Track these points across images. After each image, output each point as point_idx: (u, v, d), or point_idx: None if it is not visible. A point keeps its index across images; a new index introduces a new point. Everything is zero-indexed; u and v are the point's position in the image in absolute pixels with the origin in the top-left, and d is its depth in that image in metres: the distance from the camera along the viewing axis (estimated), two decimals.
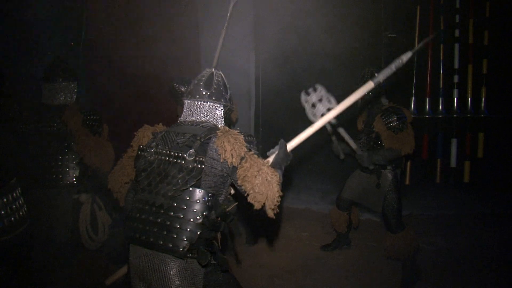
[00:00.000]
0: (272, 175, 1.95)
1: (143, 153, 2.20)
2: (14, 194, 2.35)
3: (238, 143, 2.03)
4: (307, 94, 3.12)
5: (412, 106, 6.15)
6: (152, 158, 2.16)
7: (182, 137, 2.15)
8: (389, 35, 6.14)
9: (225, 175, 2.07)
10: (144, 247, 2.04)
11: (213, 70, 2.38)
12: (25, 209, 2.42)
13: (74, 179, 3.42)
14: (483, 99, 6.12)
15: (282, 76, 6.11)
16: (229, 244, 2.23)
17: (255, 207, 1.97)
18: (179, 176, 2.04)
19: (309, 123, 2.64)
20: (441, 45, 6.12)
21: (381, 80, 2.39)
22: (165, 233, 2.00)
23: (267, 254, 4.48)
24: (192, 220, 2.01)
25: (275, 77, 6.24)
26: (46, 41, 5.08)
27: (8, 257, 2.30)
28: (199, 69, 5.65)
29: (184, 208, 2.02)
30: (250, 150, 2.06)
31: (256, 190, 1.93)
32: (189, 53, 5.64)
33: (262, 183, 1.93)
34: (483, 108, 6.12)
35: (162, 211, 2.04)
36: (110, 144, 3.53)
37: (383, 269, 4.09)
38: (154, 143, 2.20)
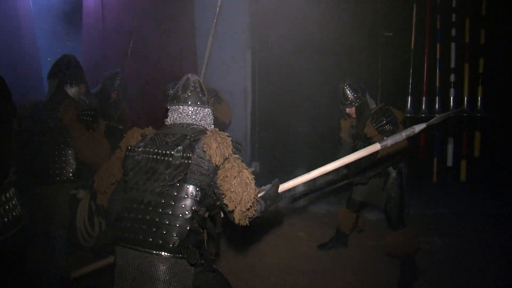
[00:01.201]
0: (251, 179, 1.99)
1: (130, 153, 2.22)
2: (8, 195, 2.32)
3: (225, 143, 2.06)
4: None
5: (409, 105, 6.14)
6: (139, 157, 2.18)
7: (172, 136, 2.17)
8: (385, 34, 6.15)
9: (211, 175, 2.07)
10: (133, 246, 2.03)
11: (197, 76, 2.41)
12: (19, 209, 2.40)
13: (71, 175, 3.41)
14: (479, 98, 6.12)
15: (278, 75, 6.11)
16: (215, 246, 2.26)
17: (228, 208, 2.00)
18: (167, 172, 2.06)
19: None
20: (438, 44, 6.12)
21: (389, 144, 2.40)
22: (154, 229, 2.01)
23: (263, 254, 4.46)
24: (181, 215, 2.02)
25: (271, 75, 6.24)
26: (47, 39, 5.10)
27: (2, 258, 2.27)
28: (195, 69, 5.62)
29: (173, 204, 2.03)
30: (235, 154, 2.09)
31: (232, 190, 1.96)
32: (185, 54, 5.61)
33: (240, 184, 1.96)
34: (480, 107, 6.12)
35: (151, 208, 2.05)
36: (106, 140, 3.52)
37: (381, 269, 4.08)
38: (142, 143, 2.22)
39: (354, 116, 3.95)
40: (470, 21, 6.08)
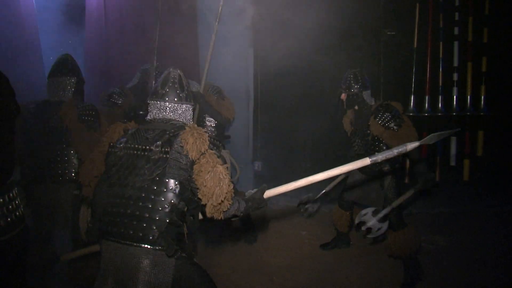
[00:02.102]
0: (225, 175, 2.05)
1: (113, 150, 2.28)
2: (11, 195, 2.31)
3: (201, 139, 2.11)
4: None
5: (412, 104, 6.12)
6: (121, 153, 2.24)
7: (152, 132, 2.23)
8: (388, 32, 6.13)
9: (189, 170, 2.11)
10: (116, 239, 2.10)
11: (178, 71, 2.43)
12: (22, 209, 2.40)
13: (74, 175, 3.40)
14: (482, 97, 6.10)
15: (281, 74, 6.09)
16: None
17: (202, 203, 2.07)
18: (146, 167, 2.13)
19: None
20: (440, 43, 6.09)
21: (379, 160, 2.37)
22: (135, 223, 2.07)
23: (266, 253, 4.45)
24: (160, 208, 2.08)
25: (274, 75, 6.22)
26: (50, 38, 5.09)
27: (4, 259, 2.26)
28: (197, 69, 5.61)
29: (152, 198, 2.09)
30: (211, 150, 2.14)
31: (205, 185, 2.03)
32: (187, 53, 5.59)
33: (212, 179, 2.02)
34: (483, 106, 6.09)
35: (132, 202, 2.11)
36: None
37: (383, 268, 4.07)
38: (124, 139, 2.28)
39: (344, 106, 3.96)
40: (473, 20, 6.06)
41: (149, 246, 2.04)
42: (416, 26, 6.07)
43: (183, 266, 2.14)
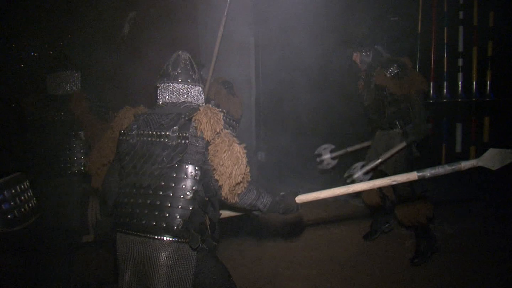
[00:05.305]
0: (243, 153, 1.97)
1: (124, 137, 2.18)
2: (22, 186, 2.32)
3: (216, 118, 2.03)
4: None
5: None
6: (134, 141, 2.14)
7: (166, 117, 2.12)
8: (391, 18, 6.04)
9: (205, 152, 2.04)
10: (135, 232, 2.01)
11: (187, 53, 2.34)
12: (34, 201, 2.40)
13: (82, 168, 3.39)
14: (488, 82, 6.00)
15: (282, 63, 6.02)
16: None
17: (218, 184, 1.98)
18: (164, 154, 2.03)
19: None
20: (445, 28, 5.99)
21: (427, 176, 2.25)
22: (156, 213, 1.98)
23: (273, 245, 4.43)
24: (182, 196, 1.99)
25: (275, 63, 6.15)
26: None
27: (19, 248, 2.28)
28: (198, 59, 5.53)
29: (173, 186, 2.00)
30: (227, 130, 2.06)
31: (222, 164, 1.95)
32: (188, 43, 5.53)
33: (230, 157, 1.95)
34: (489, 92, 6.00)
35: (151, 191, 2.02)
36: None
37: (399, 260, 4.00)
38: (136, 126, 2.17)
39: (359, 66, 3.90)
40: (478, 3, 5.94)
41: (171, 238, 1.96)
42: (420, 11, 5.96)
43: (204, 259, 2.08)
